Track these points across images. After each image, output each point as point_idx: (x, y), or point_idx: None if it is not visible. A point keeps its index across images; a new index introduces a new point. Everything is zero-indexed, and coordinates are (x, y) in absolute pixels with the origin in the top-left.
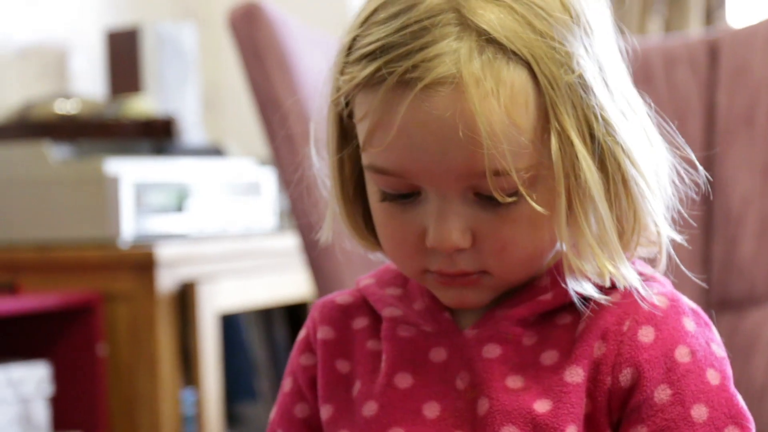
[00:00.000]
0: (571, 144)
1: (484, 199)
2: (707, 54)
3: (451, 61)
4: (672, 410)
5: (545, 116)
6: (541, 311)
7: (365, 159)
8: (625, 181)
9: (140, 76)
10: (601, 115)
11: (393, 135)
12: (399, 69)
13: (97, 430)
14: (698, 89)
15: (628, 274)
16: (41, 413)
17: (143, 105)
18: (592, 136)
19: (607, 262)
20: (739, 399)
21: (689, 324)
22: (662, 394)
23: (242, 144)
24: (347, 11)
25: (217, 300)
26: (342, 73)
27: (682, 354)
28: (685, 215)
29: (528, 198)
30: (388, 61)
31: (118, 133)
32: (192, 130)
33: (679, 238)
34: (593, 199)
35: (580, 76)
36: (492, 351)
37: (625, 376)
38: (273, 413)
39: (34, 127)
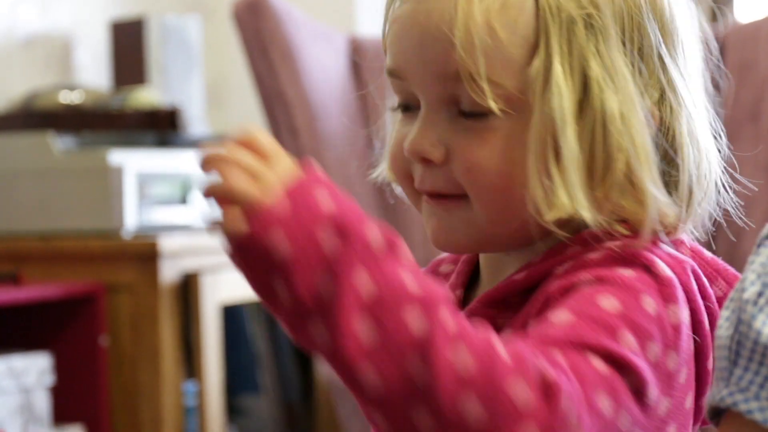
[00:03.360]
0: (551, 71)
1: (466, 116)
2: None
3: None
4: (546, 314)
5: (536, 41)
6: (513, 291)
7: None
8: (605, 126)
9: (145, 68)
10: (601, 62)
11: (391, 28)
12: None
13: (98, 422)
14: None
15: (585, 212)
16: (42, 404)
17: (148, 96)
18: (585, 77)
19: (564, 195)
20: (628, 356)
21: (648, 304)
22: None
23: None
24: (353, 3)
25: (220, 292)
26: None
27: (606, 301)
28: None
29: (495, 109)
30: None
31: (123, 124)
32: (196, 121)
33: (666, 200)
34: (557, 126)
35: (590, 16)
36: None
37: (535, 306)
38: None
39: (38, 117)
